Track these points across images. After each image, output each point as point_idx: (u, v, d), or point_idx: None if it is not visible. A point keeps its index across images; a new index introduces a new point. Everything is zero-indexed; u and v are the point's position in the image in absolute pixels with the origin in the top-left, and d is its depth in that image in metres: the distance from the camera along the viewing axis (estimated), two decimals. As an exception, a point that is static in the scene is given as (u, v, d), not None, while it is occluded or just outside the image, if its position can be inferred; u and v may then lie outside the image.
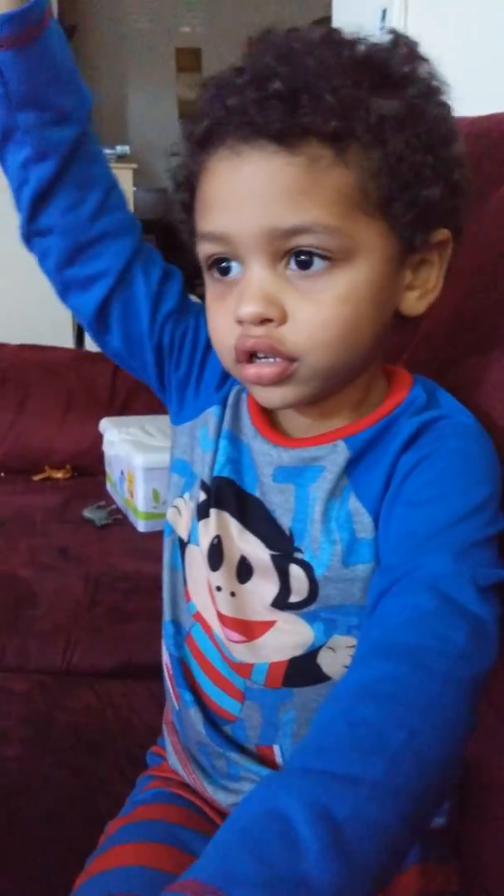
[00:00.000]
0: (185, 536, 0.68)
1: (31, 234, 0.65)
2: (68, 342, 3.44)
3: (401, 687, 0.45)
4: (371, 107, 0.50)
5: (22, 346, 1.90)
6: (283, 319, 0.53)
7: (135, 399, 1.77)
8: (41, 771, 0.84)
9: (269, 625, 0.62)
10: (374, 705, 0.44)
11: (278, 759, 0.64)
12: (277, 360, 0.54)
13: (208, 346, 0.65)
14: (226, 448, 0.64)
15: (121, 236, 0.65)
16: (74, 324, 3.49)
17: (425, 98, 0.53)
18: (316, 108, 0.49)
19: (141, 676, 1.02)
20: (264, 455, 0.62)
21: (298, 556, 0.59)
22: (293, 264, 0.52)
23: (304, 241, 0.51)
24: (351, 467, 0.59)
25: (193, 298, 0.69)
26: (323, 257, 0.51)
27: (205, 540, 0.64)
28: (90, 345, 2.71)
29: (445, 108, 0.56)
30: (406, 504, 0.55)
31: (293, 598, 0.60)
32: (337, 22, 1.93)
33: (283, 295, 0.53)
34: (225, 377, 0.66)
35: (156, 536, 1.36)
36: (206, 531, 0.64)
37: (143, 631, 1.09)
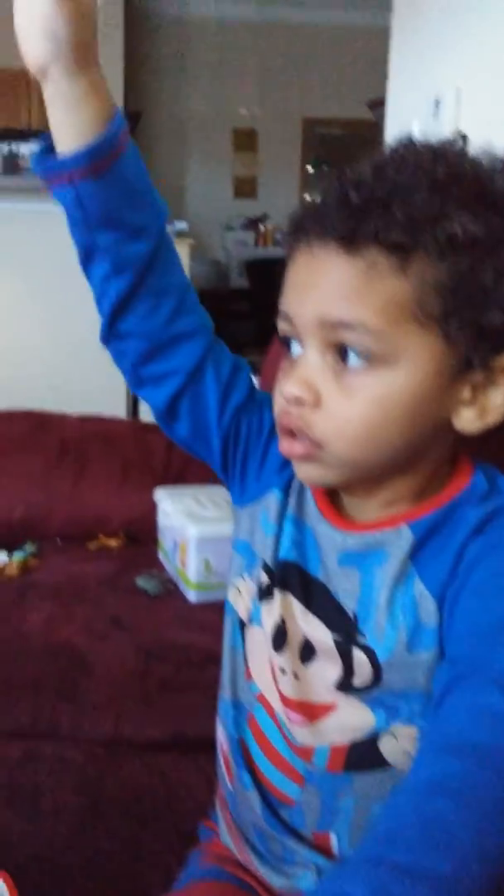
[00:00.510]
0: (245, 617, 0.69)
1: (110, 337, 0.69)
2: (122, 408, 3.54)
3: (470, 787, 0.46)
4: (444, 225, 0.52)
5: (83, 419, 1.96)
6: (317, 405, 0.56)
7: (188, 469, 1.81)
8: (93, 843, 0.85)
9: (330, 707, 0.62)
10: (444, 802, 0.45)
11: (334, 848, 0.64)
12: (306, 441, 0.58)
13: (271, 433, 0.68)
14: (290, 531, 0.66)
15: (195, 336, 0.68)
16: (128, 391, 3.59)
17: None
18: (382, 221, 0.53)
19: (190, 750, 1.03)
20: (329, 539, 0.63)
21: (362, 640, 0.60)
22: (337, 356, 0.56)
23: (347, 336, 0.55)
24: (415, 552, 0.59)
25: (257, 383, 0.72)
26: (362, 356, 0.55)
27: (269, 621, 0.66)
28: (144, 412, 2.79)
29: None
30: (473, 594, 0.55)
31: (356, 682, 0.60)
32: (390, 107, 2.01)
33: (323, 382, 0.56)
34: (286, 462, 0.67)
35: (206, 608, 1.39)
36: (270, 613, 0.65)
37: (193, 704, 1.10)
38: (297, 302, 0.58)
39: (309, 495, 0.67)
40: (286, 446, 0.59)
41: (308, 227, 0.57)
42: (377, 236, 0.53)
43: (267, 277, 6.08)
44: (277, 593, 0.65)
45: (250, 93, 6.93)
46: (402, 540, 0.60)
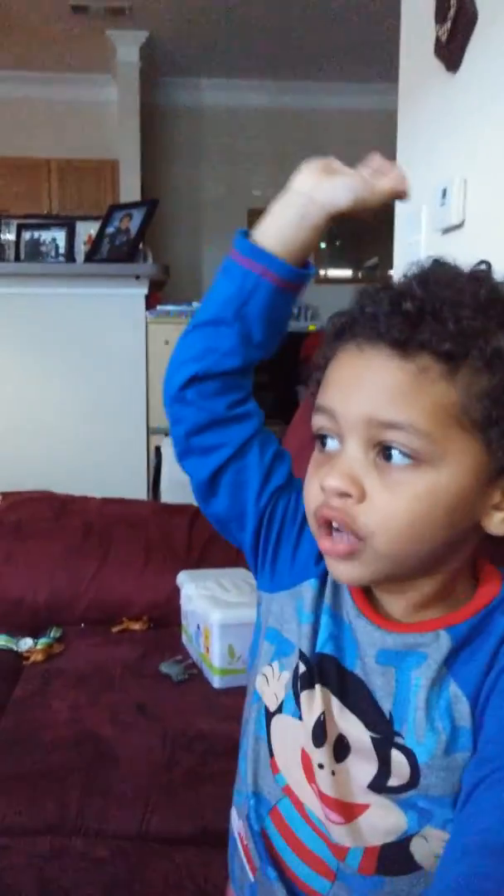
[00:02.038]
0: (272, 705, 0.69)
1: (175, 401, 0.71)
2: (142, 491, 3.58)
3: (496, 885, 0.46)
4: (490, 339, 0.56)
5: (105, 500, 1.99)
6: (361, 498, 0.58)
7: (210, 552, 1.82)
8: None
9: (364, 807, 0.62)
10: None
11: None
12: (348, 536, 0.58)
13: (305, 521, 0.68)
14: (327, 624, 0.66)
15: (248, 419, 0.72)
16: (149, 474, 3.63)
17: None
18: (435, 330, 0.56)
19: (217, 844, 1.01)
20: (367, 635, 0.64)
21: (399, 740, 0.61)
22: (382, 454, 0.57)
23: (394, 436, 0.56)
24: (450, 657, 0.61)
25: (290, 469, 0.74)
26: (407, 455, 0.56)
27: (309, 715, 0.65)
28: (165, 496, 2.82)
29: None
30: (501, 694, 0.57)
31: (392, 782, 0.61)
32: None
33: (367, 477, 0.58)
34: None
35: (230, 693, 1.38)
36: (311, 706, 0.65)
37: (220, 795, 1.08)
38: (342, 399, 0.59)
39: (345, 589, 0.67)
40: (327, 544, 0.60)
41: (358, 329, 0.60)
42: (430, 343, 0.56)
43: (284, 350, 6.17)
44: (318, 686, 0.65)
45: (264, 175, 7.15)
46: (441, 644, 0.61)
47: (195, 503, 2.14)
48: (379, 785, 0.61)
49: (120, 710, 1.33)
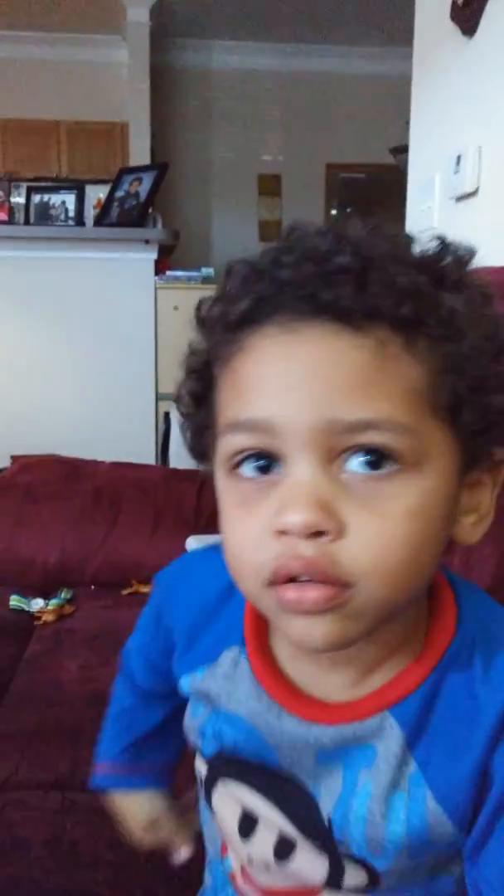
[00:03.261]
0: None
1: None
2: (151, 456, 3.60)
3: None
4: (441, 300, 0.43)
5: (115, 464, 2.00)
6: (339, 533, 0.42)
7: (217, 518, 1.84)
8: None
9: (315, 892, 0.54)
10: None
11: None
12: (327, 584, 0.42)
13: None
14: (230, 732, 0.54)
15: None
16: (157, 439, 3.64)
17: (481, 305, 0.46)
18: (388, 289, 0.42)
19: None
20: (299, 738, 0.50)
21: (344, 850, 0.50)
22: (354, 465, 0.42)
23: (370, 438, 0.42)
24: (413, 748, 0.48)
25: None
26: (389, 460, 0.42)
27: (225, 809, 0.56)
28: (174, 461, 2.83)
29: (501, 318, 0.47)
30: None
31: (349, 882, 0.51)
32: (413, 157, 2.05)
33: (340, 503, 0.42)
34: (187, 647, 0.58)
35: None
36: (224, 799, 0.56)
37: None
38: (280, 404, 0.42)
39: (243, 676, 0.53)
40: (293, 596, 0.42)
41: (277, 304, 0.43)
42: (384, 308, 0.42)
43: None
44: (231, 783, 0.55)
45: (274, 139, 7.07)
46: (388, 736, 0.48)
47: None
48: (334, 883, 0.52)
49: (130, 671, 1.35)
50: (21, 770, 1.11)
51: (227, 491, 0.47)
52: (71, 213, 3.96)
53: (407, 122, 2.08)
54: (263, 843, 0.53)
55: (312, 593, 0.42)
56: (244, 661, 0.53)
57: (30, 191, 4.04)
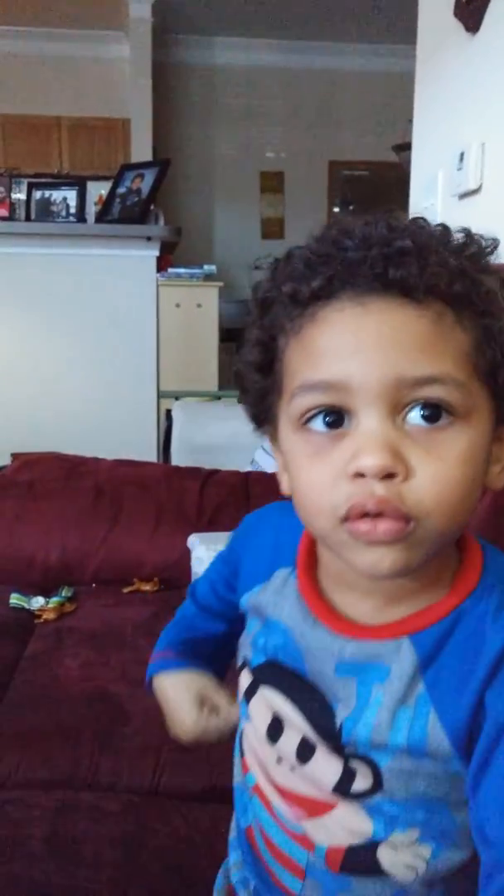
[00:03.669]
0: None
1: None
2: (153, 455, 3.59)
3: None
4: (481, 281, 0.51)
5: (116, 462, 2.00)
6: (407, 475, 0.49)
7: (220, 515, 1.83)
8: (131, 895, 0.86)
9: (329, 806, 0.59)
10: None
11: None
12: (395, 518, 0.49)
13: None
14: (276, 635, 0.62)
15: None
16: (159, 437, 3.64)
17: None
18: (443, 269, 0.50)
19: (227, 801, 1.03)
20: (322, 644, 0.58)
21: (352, 750, 0.57)
22: (416, 417, 0.50)
23: (432, 392, 0.49)
24: (424, 672, 0.54)
25: None
26: (449, 412, 0.50)
27: (260, 719, 0.63)
28: (176, 459, 2.83)
29: None
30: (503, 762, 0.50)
31: (356, 787, 0.57)
32: (416, 154, 2.04)
33: (406, 449, 0.49)
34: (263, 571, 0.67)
35: (241, 654, 1.40)
36: (259, 710, 0.63)
37: (227, 753, 1.10)
38: (354, 365, 0.50)
39: (291, 592, 0.62)
40: (366, 528, 0.50)
41: (347, 281, 0.51)
42: (439, 286, 0.49)
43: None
44: (267, 690, 0.63)
45: (277, 136, 7.06)
46: (403, 657, 0.55)
47: (205, 466, 2.14)
48: (343, 789, 0.57)
49: (132, 669, 1.35)
50: (21, 768, 1.11)
51: (299, 444, 0.54)
52: (72, 210, 3.95)
53: (410, 120, 2.07)
54: (288, 745, 0.60)
55: (384, 525, 0.49)
56: (293, 579, 0.62)
57: (31, 187, 4.03)
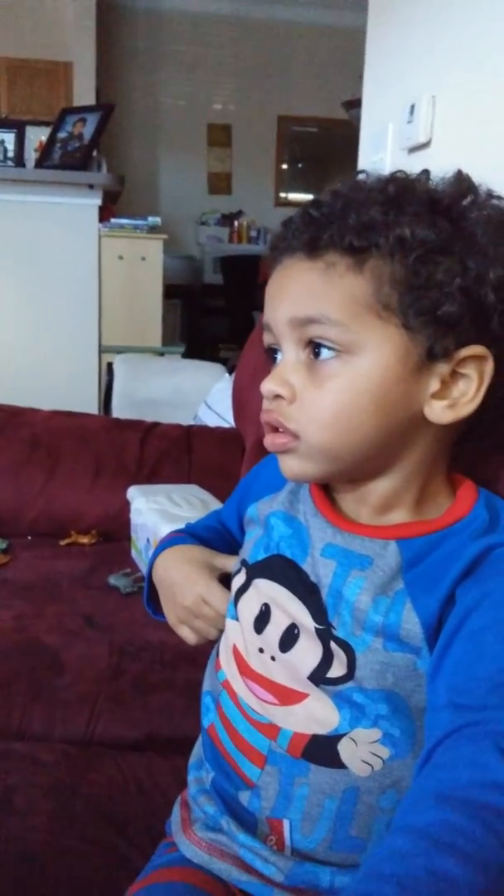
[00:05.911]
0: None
1: None
2: (93, 408, 3.52)
3: (478, 849, 0.45)
4: (393, 229, 0.60)
5: (54, 412, 1.95)
6: (293, 399, 0.63)
7: (161, 468, 1.81)
8: (64, 843, 0.85)
9: (301, 696, 0.65)
10: (454, 863, 0.44)
11: (286, 838, 0.66)
12: (284, 434, 0.64)
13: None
14: (280, 527, 0.72)
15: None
16: (100, 389, 3.57)
17: (478, 233, 0.61)
18: (337, 228, 0.61)
19: (163, 750, 1.03)
20: (320, 531, 0.68)
21: (334, 632, 0.64)
22: (310, 352, 0.63)
23: (315, 331, 0.62)
24: (407, 571, 0.62)
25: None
26: (329, 348, 0.61)
27: (247, 611, 0.71)
28: (117, 414, 2.78)
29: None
30: (469, 641, 0.56)
31: (331, 673, 0.63)
32: (366, 108, 2.01)
33: (298, 378, 0.63)
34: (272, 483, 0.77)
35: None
36: (249, 602, 0.71)
37: (166, 703, 1.10)
38: (271, 309, 0.65)
39: (305, 493, 0.71)
40: (268, 440, 0.65)
41: (280, 245, 0.66)
42: (333, 240, 0.61)
43: (241, 274, 6.07)
44: (262, 582, 0.70)
45: (225, 88, 6.91)
46: (388, 554, 0.63)
47: (147, 419, 2.10)
48: (319, 675, 0.64)
49: (66, 620, 1.33)
50: (-49, 720, 1.09)
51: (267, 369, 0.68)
52: (10, 154, 3.80)
53: (361, 77, 2.03)
54: (273, 633, 0.68)
55: (273, 438, 0.65)
56: (306, 485, 0.72)
57: (-33, 129, 3.86)
